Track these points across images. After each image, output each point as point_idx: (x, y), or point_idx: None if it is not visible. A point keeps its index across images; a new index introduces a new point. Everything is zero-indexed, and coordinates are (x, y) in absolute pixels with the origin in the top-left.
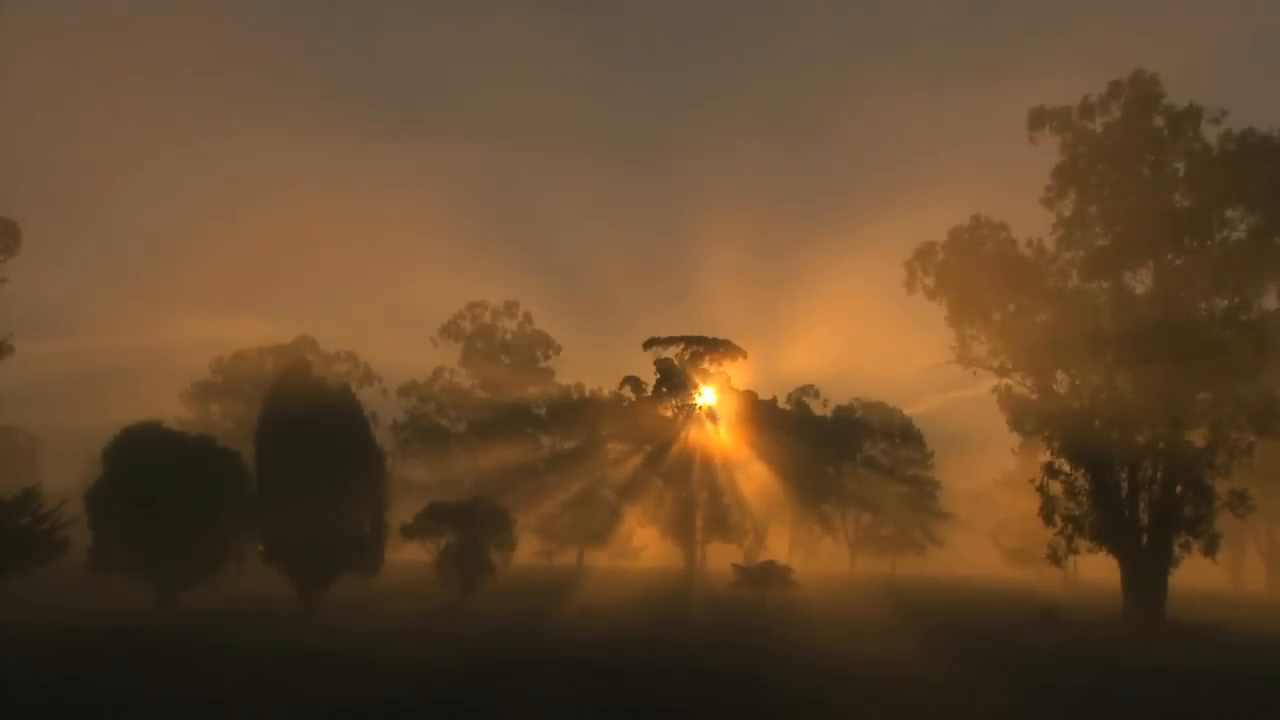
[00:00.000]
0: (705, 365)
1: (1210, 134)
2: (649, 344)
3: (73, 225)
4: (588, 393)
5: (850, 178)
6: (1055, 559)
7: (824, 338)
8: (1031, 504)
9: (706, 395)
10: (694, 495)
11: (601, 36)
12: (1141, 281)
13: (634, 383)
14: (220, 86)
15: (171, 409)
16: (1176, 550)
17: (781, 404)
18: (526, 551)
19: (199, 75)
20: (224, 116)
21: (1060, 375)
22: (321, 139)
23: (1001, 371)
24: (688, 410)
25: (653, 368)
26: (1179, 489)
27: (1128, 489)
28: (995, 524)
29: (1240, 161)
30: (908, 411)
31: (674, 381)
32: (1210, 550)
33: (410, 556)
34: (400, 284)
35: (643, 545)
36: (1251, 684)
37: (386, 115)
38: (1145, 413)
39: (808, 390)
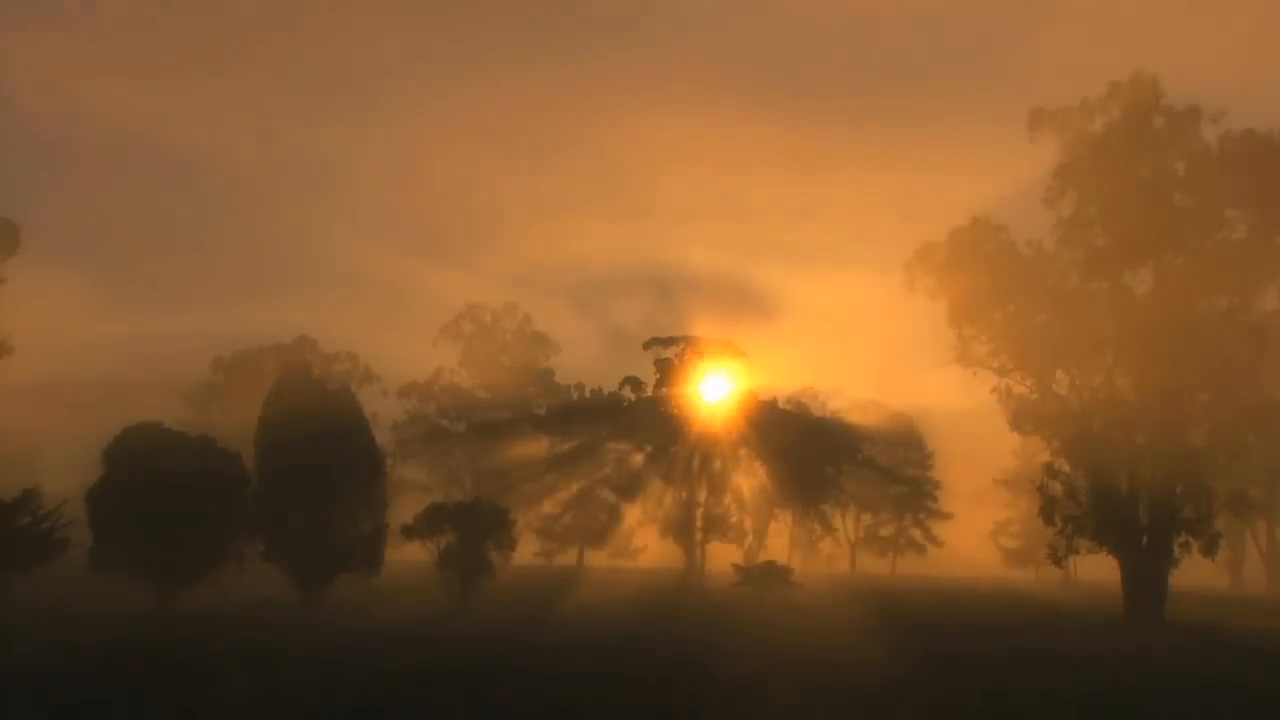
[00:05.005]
0: (705, 365)
1: (1210, 134)
2: (649, 344)
3: (73, 225)
4: (588, 392)
5: (851, 172)
6: (1055, 559)
7: (824, 337)
8: (1031, 504)
9: (706, 395)
10: (694, 495)
11: (599, 27)
12: (1141, 281)
13: (634, 382)
14: (219, 82)
15: (172, 409)
16: (1176, 550)
17: (781, 404)
18: (526, 551)
19: (198, 72)
20: (222, 115)
21: (1060, 375)
22: (319, 135)
23: (1001, 371)
24: (687, 410)
25: (653, 367)
26: (1179, 489)
27: (1128, 489)
28: (995, 524)
29: (1240, 161)
30: (908, 411)
31: (674, 381)
32: (1210, 550)
33: (410, 556)
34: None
35: (643, 545)
36: (1251, 685)
37: (386, 112)
38: (1145, 413)
39: (807, 390)
